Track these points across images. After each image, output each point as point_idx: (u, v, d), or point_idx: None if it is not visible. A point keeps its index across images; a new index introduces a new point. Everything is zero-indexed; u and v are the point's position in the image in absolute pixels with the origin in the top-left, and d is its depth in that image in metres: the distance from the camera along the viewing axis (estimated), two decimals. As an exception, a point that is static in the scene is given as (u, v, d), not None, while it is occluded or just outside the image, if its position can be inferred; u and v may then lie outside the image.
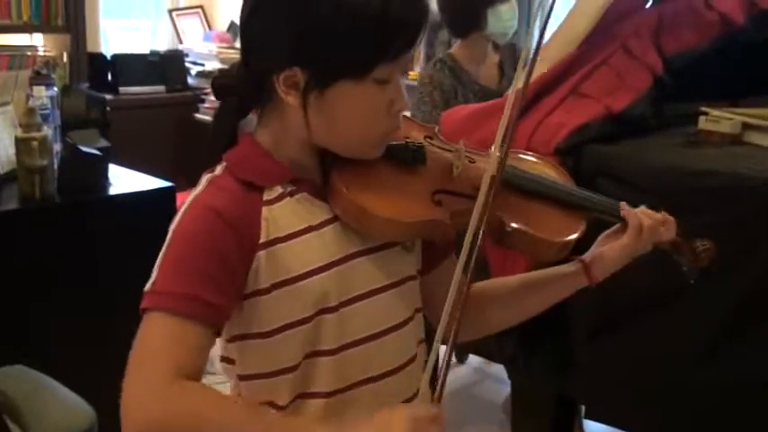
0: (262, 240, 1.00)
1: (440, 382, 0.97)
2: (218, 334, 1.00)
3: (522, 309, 1.24)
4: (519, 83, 1.09)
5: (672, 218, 1.24)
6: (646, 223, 1.21)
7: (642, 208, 1.23)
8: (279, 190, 1.04)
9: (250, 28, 1.05)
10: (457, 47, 2.90)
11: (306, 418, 1.02)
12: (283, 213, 1.03)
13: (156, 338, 0.95)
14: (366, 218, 1.03)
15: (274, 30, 1.00)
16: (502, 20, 2.76)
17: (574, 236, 1.18)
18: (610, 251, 1.21)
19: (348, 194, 1.03)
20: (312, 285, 1.02)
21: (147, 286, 0.97)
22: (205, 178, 1.05)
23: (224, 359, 1.11)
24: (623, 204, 1.24)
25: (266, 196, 1.03)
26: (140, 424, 0.90)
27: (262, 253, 1.00)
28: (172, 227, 1.00)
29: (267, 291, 1.01)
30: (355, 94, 1.00)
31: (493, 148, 1.07)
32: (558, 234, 1.17)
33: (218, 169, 1.05)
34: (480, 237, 1.00)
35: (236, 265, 0.99)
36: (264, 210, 1.02)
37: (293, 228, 1.03)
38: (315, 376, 1.06)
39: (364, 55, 0.98)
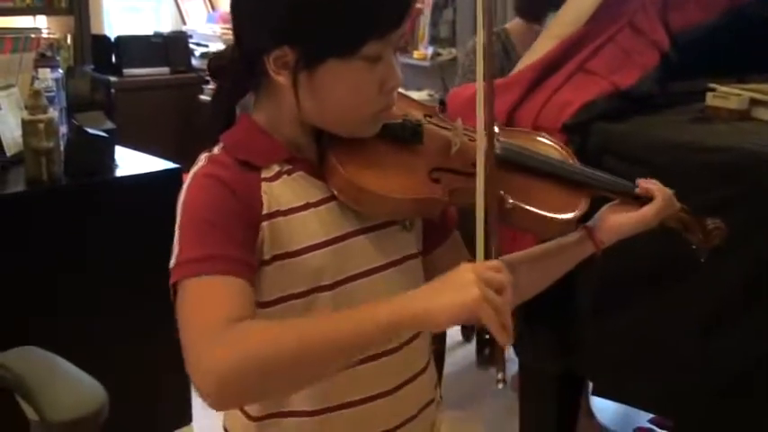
0: (264, 212, 1.01)
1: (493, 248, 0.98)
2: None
3: (533, 281, 1.23)
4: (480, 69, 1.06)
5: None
6: (668, 205, 1.22)
7: (656, 182, 1.24)
8: (276, 168, 1.04)
9: (240, 9, 1.06)
10: (513, 24, 2.90)
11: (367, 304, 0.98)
12: (282, 190, 1.03)
13: (197, 302, 0.94)
14: (363, 196, 1.03)
15: (263, 9, 1.01)
16: None
17: (575, 213, 1.18)
18: (621, 220, 1.22)
19: (345, 173, 1.03)
20: (308, 262, 1.03)
21: (172, 262, 0.96)
22: (203, 156, 1.05)
23: None
24: (649, 187, 1.24)
25: (264, 174, 1.03)
26: (220, 375, 0.87)
27: (265, 224, 1.01)
28: (179, 203, 1.00)
29: (269, 262, 1.02)
30: (345, 72, 1.00)
31: (478, 125, 1.04)
32: (560, 211, 1.16)
33: (216, 149, 1.06)
34: (487, 212, 1.00)
35: (247, 223, 1.00)
36: (264, 185, 1.02)
37: (292, 204, 1.03)
38: None
39: (351, 32, 0.98)
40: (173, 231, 0.99)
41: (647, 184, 1.24)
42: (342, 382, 1.05)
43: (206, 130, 1.10)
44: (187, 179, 1.02)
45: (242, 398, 0.94)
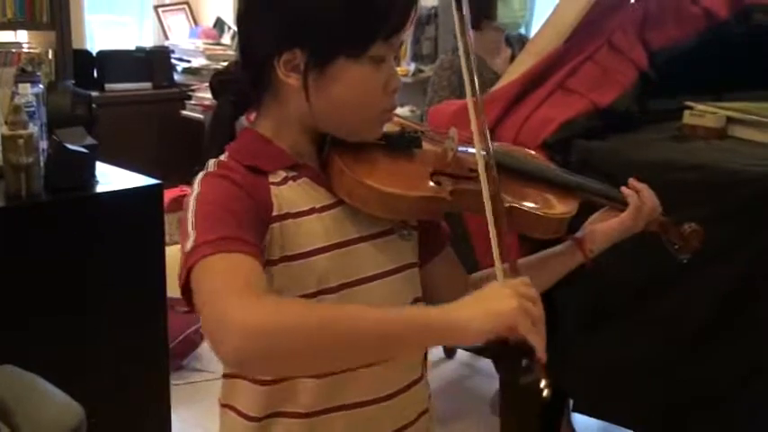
0: (275, 213, 1.04)
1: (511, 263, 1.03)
2: None
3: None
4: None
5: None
6: (647, 203, 1.26)
7: (645, 186, 1.28)
8: (282, 174, 1.07)
9: (247, 17, 1.09)
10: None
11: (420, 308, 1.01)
12: (290, 194, 1.06)
13: (218, 277, 0.93)
14: (371, 195, 1.06)
15: (273, 12, 1.05)
16: (512, 10, 2.78)
17: (568, 212, 1.21)
18: (606, 227, 1.26)
19: (350, 173, 1.07)
20: (315, 264, 1.05)
21: (188, 246, 0.96)
22: (212, 162, 1.07)
23: None
24: (636, 187, 1.28)
25: (271, 179, 1.06)
26: (247, 330, 0.86)
27: (276, 225, 1.04)
28: (191, 198, 1.01)
29: (275, 262, 1.04)
30: (353, 72, 1.04)
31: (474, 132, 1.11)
32: (554, 209, 1.21)
33: (223, 156, 1.08)
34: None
35: (259, 218, 1.02)
36: (273, 188, 1.06)
37: (301, 207, 1.06)
38: None
39: (360, 33, 1.03)
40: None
41: (628, 188, 1.28)
42: (338, 385, 1.08)
43: (207, 145, 1.13)
44: (197, 181, 1.04)
45: (262, 360, 0.89)
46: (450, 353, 3.35)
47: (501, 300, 0.92)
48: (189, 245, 0.96)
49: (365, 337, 0.91)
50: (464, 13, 1.11)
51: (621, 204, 1.27)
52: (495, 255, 1.02)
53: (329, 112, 1.07)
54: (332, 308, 0.97)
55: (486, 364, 3.11)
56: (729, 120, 1.91)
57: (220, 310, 0.89)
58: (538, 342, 0.92)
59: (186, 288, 0.96)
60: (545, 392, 0.96)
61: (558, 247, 1.26)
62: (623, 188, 1.27)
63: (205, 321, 0.90)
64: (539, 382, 0.95)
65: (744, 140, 1.88)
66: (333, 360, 0.93)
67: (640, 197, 1.26)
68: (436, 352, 3.27)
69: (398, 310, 0.96)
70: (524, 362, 0.94)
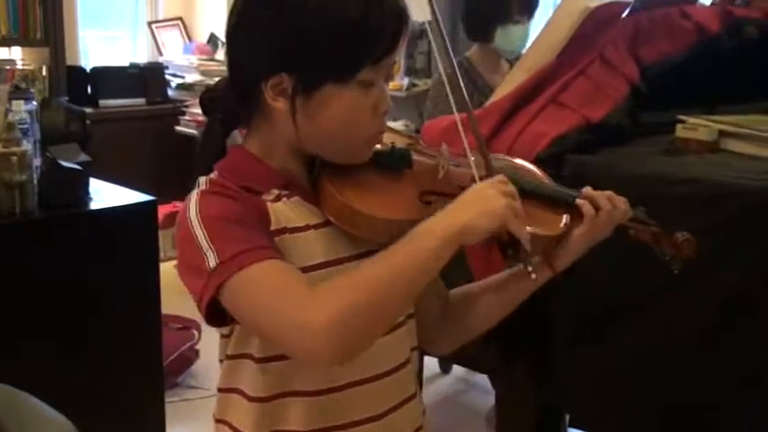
0: (273, 227, 1.04)
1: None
2: None
3: (496, 307, 1.24)
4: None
5: (623, 198, 1.23)
6: (604, 208, 1.19)
7: (598, 192, 1.22)
8: (275, 192, 1.07)
9: (236, 38, 1.08)
10: (473, 51, 2.94)
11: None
12: (285, 210, 1.06)
13: (268, 281, 0.97)
14: (359, 219, 1.06)
15: (260, 37, 1.04)
16: (510, 39, 2.79)
17: (561, 228, 1.20)
18: (569, 240, 1.20)
19: (339, 197, 1.06)
20: (311, 280, 1.04)
21: (211, 266, 0.98)
22: (203, 179, 1.07)
23: (224, 336, 1.12)
24: (589, 194, 1.21)
25: (265, 197, 1.06)
26: (325, 328, 0.92)
27: (277, 239, 1.04)
28: (192, 217, 1.02)
29: None
30: (341, 97, 1.03)
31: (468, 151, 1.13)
32: (546, 228, 1.19)
33: (214, 174, 1.08)
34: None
35: (264, 228, 1.03)
36: (269, 205, 1.06)
37: (296, 223, 1.07)
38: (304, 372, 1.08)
39: (347, 59, 1.02)
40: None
41: (582, 198, 1.21)
42: (330, 405, 1.08)
43: (197, 162, 1.12)
44: (192, 199, 1.04)
45: (349, 343, 0.96)
46: (445, 368, 3.35)
47: (491, 200, 1.00)
48: (211, 263, 0.97)
49: (414, 270, 0.98)
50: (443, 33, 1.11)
51: (579, 215, 1.21)
52: (468, 153, 1.10)
53: (317, 136, 1.06)
54: (372, 265, 1.00)
55: (482, 378, 3.10)
56: (722, 133, 1.92)
57: (292, 317, 0.94)
58: (523, 233, 1.02)
59: (210, 307, 0.98)
60: (533, 275, 1.08)
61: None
62: (578, 200, 1.21)
63: (283, 335, 0.95)
64: (527, 265, 1.08)
65: (736, 154, 1.89)
66: (401, 304, 1.03)
67: (596, 205, 1.19)
68: (432, 367, 3.26)
69: (418, 237, 1.00)
70: (510, 251, 1.05)
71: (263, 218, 1.04)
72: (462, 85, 1.12)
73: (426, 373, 3.02)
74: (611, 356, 1.82)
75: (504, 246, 1.05)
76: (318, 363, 0.99)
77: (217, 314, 1.01)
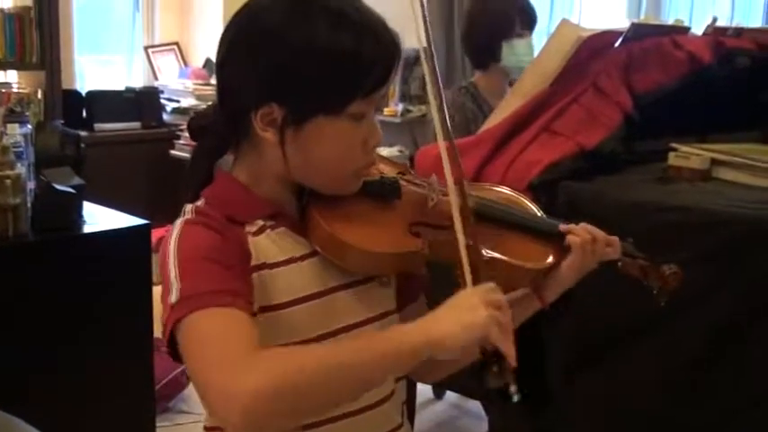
0: (253, 263, 1.03)
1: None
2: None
3: None
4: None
5: (616, 237, 1.24)
6: (586, 241, 1.19)
7: (583, 225, 1.23)
8: (259, 223, 1.06)
9: (226, 67, 1.07)
10: (478, 77, 2.96)
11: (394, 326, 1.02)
12: (267, 244, 1.05)
13: (211, 332, 0.93)
14: (346, 251, 1.05)
15: (251, 67, 1.03)
16: (516, 54, 2.81)
17: (548, 262, 1.20)
18: (556, 272, 1.21)
19: (327, 228, 1.05)
20: (292, 315, 1.04)
21: (173, 299, 0.96)
22: (189, 207, 1.06)
23: None
24: (569, 227, 1.22)
25: (248, 228, 1.05)
26: (249, 400, 0.87)
27: (255, 275, 1.02)
28: (170, 246, 1.01)
29: (255, 314, 1.01)
30: (331, 129, 1.03)
31: (448, 183, 1.08)
32: (533, 261, 1.19)
33: (200, 202, 1.07)
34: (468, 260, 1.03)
35: (242, 267, 1.01)
36: (250, 239, 1.04)
37: (278, 257, 1.05)
38: None
39: (339, 92, 1.01)
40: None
41: (565, 229, 1.22)
42: None
43: (185, 190, 1.11)
44: (175, 228, 1.03)
45: (269, 421, 0.91)
46: (438, 394, 3.33)
47: (472, 311, 0.94)
48: (173, 297, 0.95)
49: (364, 371, 0.93)
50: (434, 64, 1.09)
51: (566, 247, 1.21)
52: (462, 253, 1.02)
53: (306, 167, 1.05)
54: (323, 348, 0.97)
55: (475, 405, 3.09)
56: (714, 161, 1.93)
57: (220, 381, 0.89)
58: (508, 348, 0.94)
59: (171, 337, 0.96)
60: (515, 397, 0.98)
61: (515, 295, 1.23)
62: (564, 232, 1.21)
63: (205, 391, 0.90)
64: (509, 386, 0.97)
65: (728, 182, 1.90)
66: (341, 398, 0.96)
67: (582, 237, 1.20)
68: (425, 393, 3.25)
69: (381, 340, 0.96)
70: (495, 368, 0.96)
71: (244, 253, 1.02)
72: (448, 115, 1.10)
73: (419, 399, 3.00)
74: (607, 383, 1.82)
75: (489, 360, 0.96)
76: (228, 428, 0.94)
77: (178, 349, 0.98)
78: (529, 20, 2.86)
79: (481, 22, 2.91)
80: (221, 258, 0.99)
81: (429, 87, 1.09)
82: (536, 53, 2.46)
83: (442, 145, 1.07)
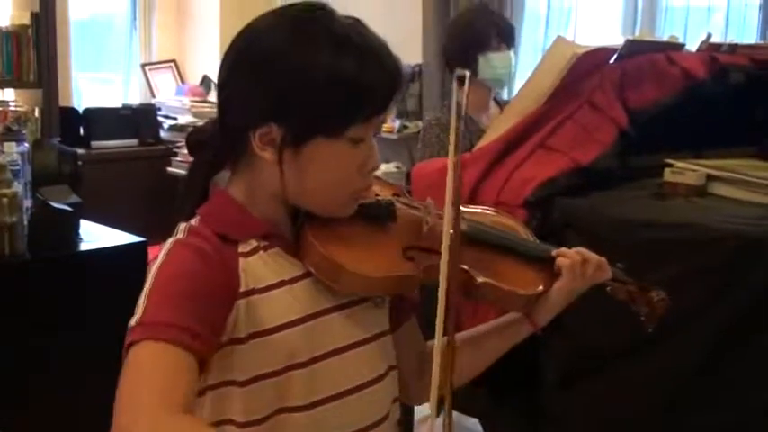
0: (241, 289, 1.02)
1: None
2: (202, 369, 0.97)
3: (475, 360, 1.24)
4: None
5: (604, 259, 1.24)
6: (576, 262, 1.20)
7: (576, 249, 1.23)
8: (253, 243, 1.05)
9: (228, 85, 1.08)
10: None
11: None
12: (259, 267, 1.04)
13: (147, 367, 0.91)
14: (340, 273, 1.05)
15: (252, 86, 1.03)
16: (492, 67, 2.82)
17: (541, 288, 1.20)
18: (547, 296, 1.21)
19: (321, 250, 1.05)
20: (284, 339, 1.03)
21: (133, 321, 0.95)
22: (183, 226, 1.06)
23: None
24: (561, 250, 1.23)
25: (241, 249, 1.04)
26: None
27: (241, 302, 1.01)
28: (154, 267, 1.00)
29: (244, 340, 1.02)
30: (330, 151, 1.03)
31: (445, 207, 1.06)
32: (525, 286, 1.19)
33: (194, 221, 1.07)
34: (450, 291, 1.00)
35: (219, 302, 0.99)
36: (241, 261, 1.03)
37: (268, 281, 1.04)
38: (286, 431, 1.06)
39: (339, 115, 1.01)
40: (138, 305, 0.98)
41: (556, 253, 1.22)
42: None
43: (180, 204, 1.11)
44: (165, 247, 1.03)
45: None
46: (436, 411, 3.31)
47: None
48: (135, 318, 0.94)
49: None
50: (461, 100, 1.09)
51: (556, 271, 1.22)
52: (437, 335, 0.97)
53: (302, 188, 1.05)
54: None
55: (473, 422, 3.07)
56: (709, 177, 1.94)
57: (123, 418, 0.87)
58: None
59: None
60: None
61: (507, 318, 1.24)
62: (554, 256, 1.22)
63: (114, 414, 0.88)
64: None
65: (723, 198, 1.91)
66: None
67: (572, 261, 1.20)
68: (421, 410, 3.23)
69: None
70: None
71: (230, 281, 1.01)
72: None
73: (417, 416, 2.99)
74: (603, 399, 1.82)
75: None
76: None
77: None
78: (505, 34, 2.88)
79: (456, 36, 2.94)
80: (198, 290, 0.97)
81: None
82: (525, 69, 2.47)
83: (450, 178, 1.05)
